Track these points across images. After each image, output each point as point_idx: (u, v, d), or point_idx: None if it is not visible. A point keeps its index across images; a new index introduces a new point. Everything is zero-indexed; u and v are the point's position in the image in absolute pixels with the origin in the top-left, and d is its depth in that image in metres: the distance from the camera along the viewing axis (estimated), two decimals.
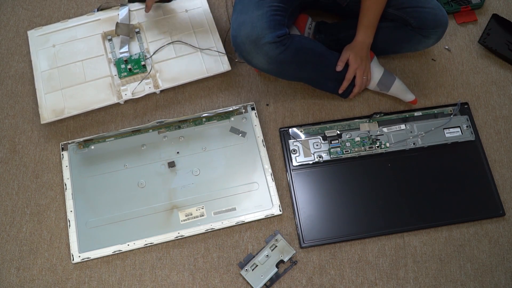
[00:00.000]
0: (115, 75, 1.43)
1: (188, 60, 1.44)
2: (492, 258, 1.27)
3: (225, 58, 1.43)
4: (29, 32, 1.50)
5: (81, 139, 1.35)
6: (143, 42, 1.48)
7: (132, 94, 1.40)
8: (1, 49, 1.55)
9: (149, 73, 1.42)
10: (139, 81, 1.41)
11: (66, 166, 1.35)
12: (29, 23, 1.58)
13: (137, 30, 1.49)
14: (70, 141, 1.37)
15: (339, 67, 1.35)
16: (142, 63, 1.43)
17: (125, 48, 1.46)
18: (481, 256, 1.27)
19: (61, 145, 1.37)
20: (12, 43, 1.55)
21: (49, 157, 1.39)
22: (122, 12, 1.50)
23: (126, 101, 1.42)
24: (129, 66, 1.42)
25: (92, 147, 1.37)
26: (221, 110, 1.38)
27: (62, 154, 1.36)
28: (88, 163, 1.35)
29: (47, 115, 1.38)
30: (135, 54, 1.45)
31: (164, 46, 1.45)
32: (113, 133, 1.37)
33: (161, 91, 1.42)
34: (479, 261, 1.26)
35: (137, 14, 1.51)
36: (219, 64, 1.43)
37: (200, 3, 1.52)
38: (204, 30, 1.48)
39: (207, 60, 1.43)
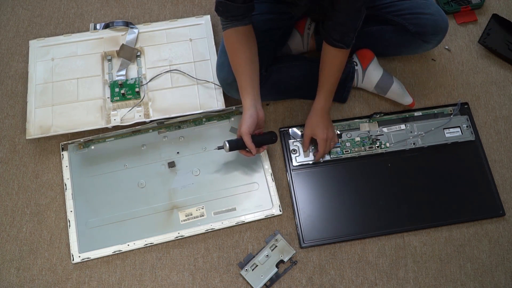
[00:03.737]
0: (108, 97, 1.40)
1: (183, 92, 1.39)
2: (492, 258, 1.27)
3: (221, 95, 1.37)
4: (30, 42, 1.49)
5: (81, 139, 1.35)
6: (141, 67, 1.44)
7: (121, 120, 1.36)
8: (1, 49, 1.55)
9: (141, 100, 1.38)
10: (130, 108, 1.38)
11: (66, 166, 1.35)
12: (29, 23, 1.58)
13: (138, 53, 1.46)
14: (70, 141, 1.37)
15: (305, 151, 1.35)
16: (137, 89, 1.39)
17: (123, 71, 1.43)
18: (481, 256, 1.27)
19: (61, 145, 1.37)
20: (12, 43, 1.55)
21: (49, 157, 1.39)
22: (131, 35, 1.47)
23: (113, 127, 1.37)
24: (122, 91, 1.39)
25: (92, 147, 1.37)
26: (221, 110, 1.37)
27: (62, 154, 1.36)
28: (88, 163, 1.35)
29: (33, 130, 1.35)
30: (131, 79, 1.41)
31: (161, 74, 1.42)
32: (113, 133, 1.37)
33: (151, 121, 1.37)
34: (479, 261, 1.26)
35: (141, 37, 1.48)
36: (214, 100, 1.37)
37: (205, 33, 1.48)
38: (204, 62, 1.43)
39: (202, 95, 1.38)
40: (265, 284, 1.23)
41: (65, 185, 1.33)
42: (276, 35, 1.34)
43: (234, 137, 1.37)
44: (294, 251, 1.25)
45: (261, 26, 1.29)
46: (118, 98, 1.39)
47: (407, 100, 1.38)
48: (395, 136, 1.38)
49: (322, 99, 1.29)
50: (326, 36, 1.21)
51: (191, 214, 1.29)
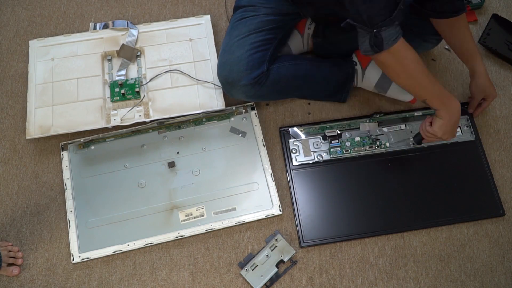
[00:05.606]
0: (108, 97, 1.40)
1: (183, 92, 1.39)
2: (492, 258, 1.27)
3: (221, 95, 1.37)
4: (30, 42, 1.48)
5: (81, 139, 1.35)
6: (141, 67, 1.44)
7: (121, 120, 1.36)
8: (1, 49, 1.55)
9: (141, 100, 1.38)
10: (130, 108, 1.37)
11: (66, 166, 1.35)
12: (29, 23, 1.58)
13: (138, 53, 1.46)
14: (70, 141, 1.37)
15: (473, 113, 1.39)
16: (137, 89, 1.39)
17: (123, 71, 1.43)
18: (481, 256, 1.27)
19: (61, 145, 1.37)
20: (12, 43, 1.55)
21: (49, 157, 1.39)
22: (131, 35, 1.46)
23: (113, 127, 1.37)
24: (122, 91, 1.38)
25: (92, 147, 1.37)
26: (221, 110, 1.37)
27: (62, 154, 1.36)
28: (88, 163, 1.35)
29: (33, 130, 1.35)
30: (131, 79, 1.41)
31: (161, 74, 1.42)
32: (113, 133, 1.37)
33: (151, 121, 1.36)
34: (479, 261, 1.26)
35: (141, 37, 1.48)
36: (214, 100, 1.37)
37: (205, 33, 1.48)
38: (204, 62, 1.43)
39: (202, 95, 1.38)
40: (265, 284, 1.23)
41: (65, 185, 1.33)
42: (279, 34, 1.34)
43: (234, 137, 1.37)
44: (294, 251, 1.25)
45: (265, 25, 1.29)
46: (118, 98, 1.39)
47: (408, 97, 1.38)
48: (395, 136, 1.38)
49: (482, 62, 1.31)
50: (438, 14, 1.22)
51: (191, 214, 1.29)
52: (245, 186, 1.32)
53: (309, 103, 1.44)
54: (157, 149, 1.36)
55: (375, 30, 1.03)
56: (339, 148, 1.36)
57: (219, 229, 1.29)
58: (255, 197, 1.31)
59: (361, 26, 1.04)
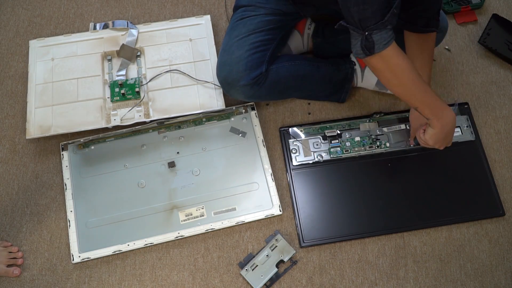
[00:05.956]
0: (108, 97, 1.39)
1: (183, 92, 1.39)
2: (492, 258, 1.27)
3: (221, 95, 1.37)
4: (30, 42, 1.48)
5: (81, 139, 1.35)
6: (141, 67, 1.44)
7: (121, 120, 1.36)
8: (1, 49, 1.55)
9: (141, 100, 1.38)
10: (131, 108, 1.37)
11: (66, 166, 1.35)
12: (29, 23, 1.58)
13: (138, 53, 1.45)
14: (70, 141, 1.37)
15: (412, 144, 1.32)
16: (137, 89, 1.38)
17: (123, 71, 1.42)
18: (481, 256, 1.27)
19: (61, 145, 1.37)
20: (12, 43, 1.55)
21: (49, 157, 1.39)
22: (131, 35, 1.46)
23: (113, 127, 1.37)
24: (122, 91, 1.38)
25: (92, 147, 1.37)
26: (221, 110, 1.37)
27: (62, 154, 1.36)
28: (88, 163, 1.35)
29: (33, 130, 1.35)
30: (131, 79, 1.41)
31: (161, 74, 1.42)
32: (113, 133, 1.37)
33: (151, 121, 1.36)
34: (479, 261, 1.26)
35: (141, 37, 1.47)
36: (214, 100, 1.37)
37: (205, 33, 1.48)
38: (204, 62, 1.43)
39: (202, 95, 1.38)
40: (265, 284, 1.23)
41: (65, 185, 1.33)
42: (278, 34, 1.34)
43: (234, 137, 1.37)
44: (294, 251, 1.25)
45: (265, 25, 1.29)
46: (118, 98, 1.39)
47: None
48: (395, 136, 1.38)
49: None
50: (410, 26, 1.20)
51: (191, 214, 1.29)
52: (245, 186, 1.32)
53: (309, 103, 1.45)
54: (157, 149, 1.36)
55: (366, 33, 1.02)
56: (339, 148, 1.36)
57: (219, 229, 1.29)
58: (255, 197, 1.31)
59: (353, 28, 1.04)
